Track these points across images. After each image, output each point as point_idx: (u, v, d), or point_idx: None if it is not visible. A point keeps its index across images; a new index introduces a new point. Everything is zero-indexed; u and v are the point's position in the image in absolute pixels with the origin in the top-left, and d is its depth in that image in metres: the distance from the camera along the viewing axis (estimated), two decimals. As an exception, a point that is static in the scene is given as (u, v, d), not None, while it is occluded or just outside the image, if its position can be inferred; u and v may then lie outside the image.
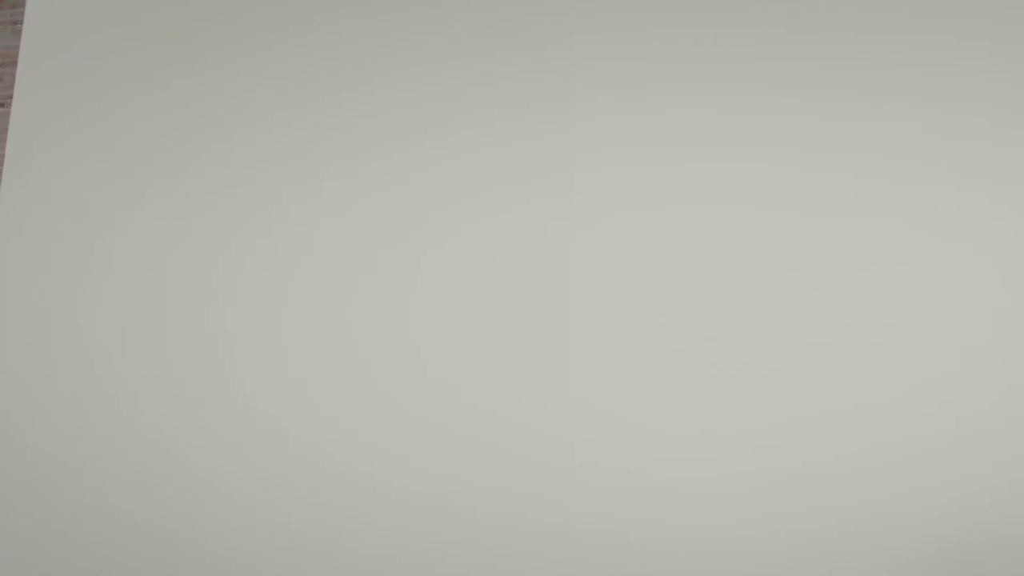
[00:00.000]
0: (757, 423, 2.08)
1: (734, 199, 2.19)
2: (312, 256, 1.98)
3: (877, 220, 2.25)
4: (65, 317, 1.88)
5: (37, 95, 1.99)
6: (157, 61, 2.01)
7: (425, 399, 1.97)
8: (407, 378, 1.98)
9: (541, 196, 2.10)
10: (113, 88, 1.99)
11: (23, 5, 4.39)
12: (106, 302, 1.90)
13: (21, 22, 4.37)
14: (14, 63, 4.31)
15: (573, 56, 2.19)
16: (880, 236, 2.25)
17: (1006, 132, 2.37)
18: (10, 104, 4.24)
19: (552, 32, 2.19)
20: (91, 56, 2.00)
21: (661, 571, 1.97)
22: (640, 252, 2.11)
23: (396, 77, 2.11)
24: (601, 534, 1.97)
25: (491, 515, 1.94)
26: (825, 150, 2.27)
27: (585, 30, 2.20)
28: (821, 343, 2.15)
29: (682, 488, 2.02)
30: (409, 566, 1.89)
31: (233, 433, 1.88)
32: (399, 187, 2.05)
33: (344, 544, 1.88)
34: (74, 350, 1.87)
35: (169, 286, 1.92)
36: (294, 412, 1.91)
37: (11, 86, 4.31)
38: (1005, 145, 2.36)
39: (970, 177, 2.33)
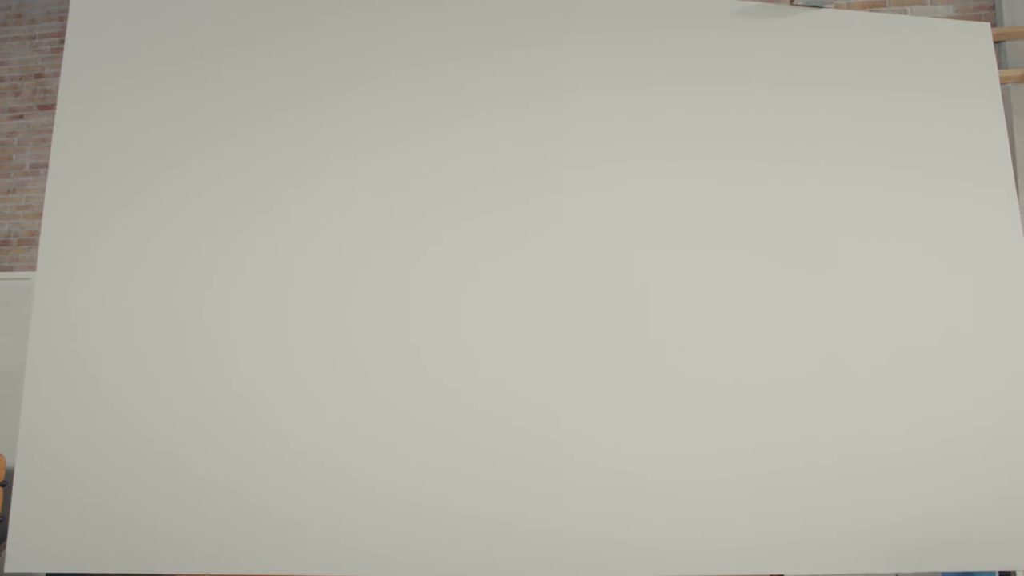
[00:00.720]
0: (757, 424, 2.05)
1: (735, 198, 2.17)
2: (312, 256, 1.99)
3: (877, 221, 2.22)
4: (62, 317, 1.90)
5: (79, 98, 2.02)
6: (155, 60, 2.04)
7: (425, 399, 1.97)
8: (407, 378, 1.97)
9: (541, 196, 2.10)
10: (110, 87, 2.02)
11: (41, 21, 4.49)
12: (103, 302, 1.92)
13: (39, 37, 4.46)
14: (32, 76, 4.40)
15: (573, 56, 2.19)
16: (880, 237, 2.22)
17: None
18: (28, 115, 4.33)
19: (551, 32, 2.20)
20: (89, 56, 2.03)
21: (660, 571, 1.95)
22: (640, 252, 2.10)
23: (395, 77, 2.12)
24: (600, 534, 1.95)
25: (491, 514, 1.93)
26: (825, 149, 2.25)
27: (584, 30, 2.21)
28: (821, 344, 2.13)
29: (681, 488, 2.00)
30: (409, 566, 1.88)
31: (233, 433, 1.88)
32: (398, 187, 2.06)
33: (344, 544, 1.88)
34: (71, 350, 1.89)
35: (168, 286, 1.94)
36: (294, 412, 1.91)
37: (29, 98, 4.40)
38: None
39: (975, 177, 2.30)
